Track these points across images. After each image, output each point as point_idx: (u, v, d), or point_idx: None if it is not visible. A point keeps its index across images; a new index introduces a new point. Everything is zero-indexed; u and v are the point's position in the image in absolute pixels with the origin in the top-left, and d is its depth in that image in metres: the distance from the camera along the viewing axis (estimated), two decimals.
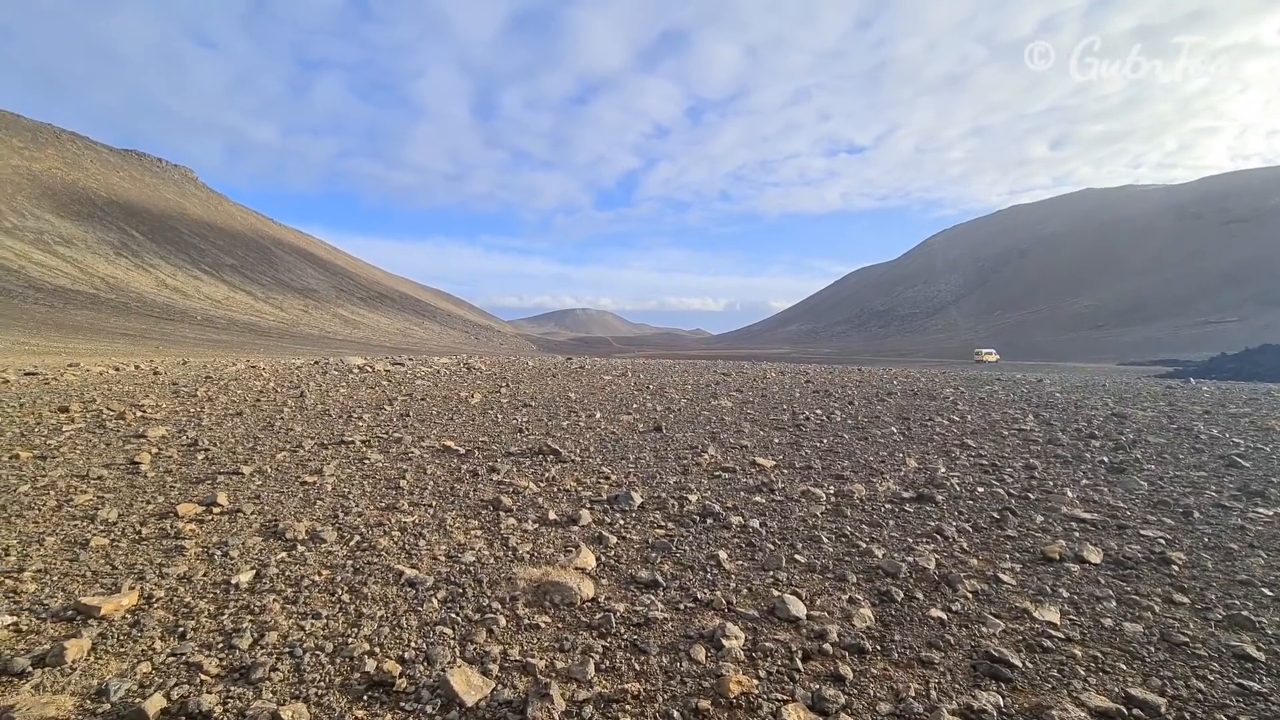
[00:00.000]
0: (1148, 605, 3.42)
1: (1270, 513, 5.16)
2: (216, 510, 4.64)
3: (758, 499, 5.33)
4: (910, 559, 3.95)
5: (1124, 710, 2.46)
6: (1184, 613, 3.35)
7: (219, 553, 3.81)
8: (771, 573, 3.74)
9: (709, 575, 3.68)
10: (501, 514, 4.76)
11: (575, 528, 4.51)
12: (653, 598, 3.34)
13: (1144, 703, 2.50)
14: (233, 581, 3.38)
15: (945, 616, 3.22)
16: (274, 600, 3.19)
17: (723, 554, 3.98)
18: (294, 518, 4.51)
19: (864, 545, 4.23)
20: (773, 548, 4.15)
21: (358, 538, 4.13)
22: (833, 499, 5.38)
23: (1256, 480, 6.25)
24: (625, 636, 2.94)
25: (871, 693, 2.54)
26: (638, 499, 5.12)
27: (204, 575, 3.49)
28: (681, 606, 3.26)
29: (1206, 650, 2.95)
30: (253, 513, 4.61)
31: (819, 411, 11.01)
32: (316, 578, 3.48)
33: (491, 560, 3.82)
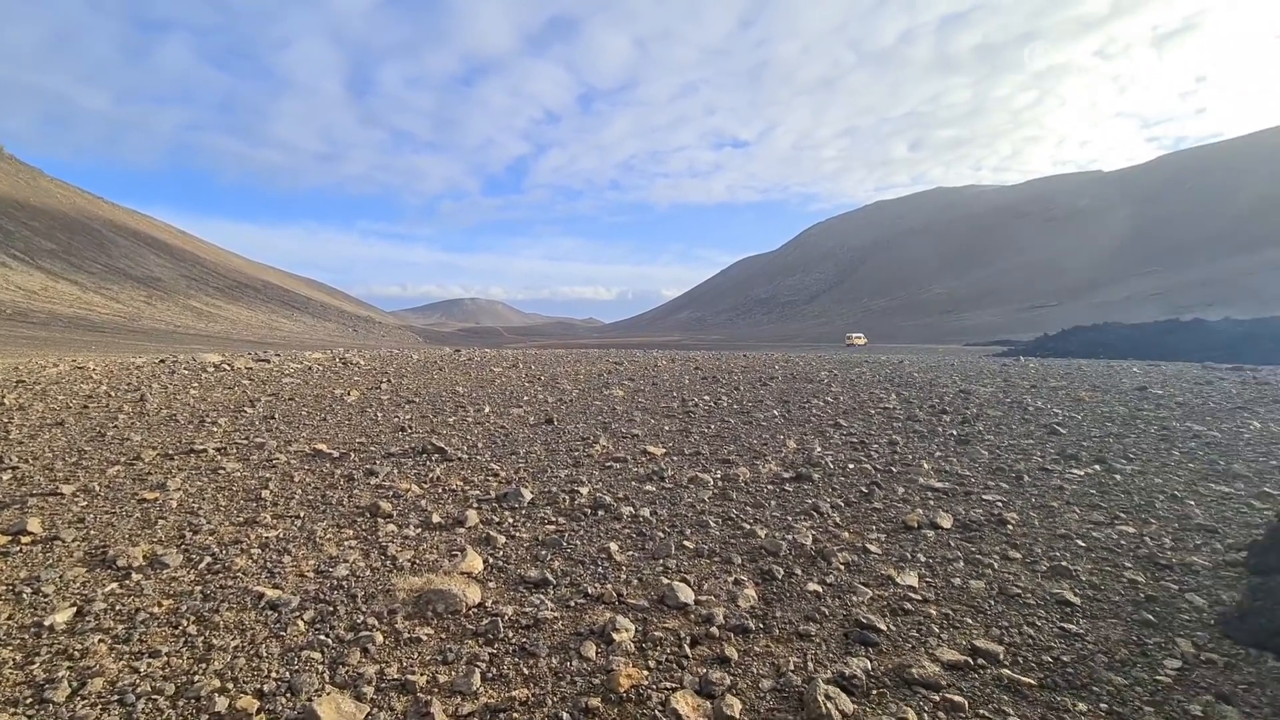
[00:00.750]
0: (988, 563, 3.84)
1: (1082, 473, 5.99)
2: (26, 540, 3.97)
3: (648, 488, 5.40)
4: (790, 537, 4.17)
5: (970, 660, 2.73)
6: (1017, 567, 3.80)
7: (29, 590, 3.26)
8: (661, 561, 3.80)
9: (600, 569, 3.67)
10: (380, 520, 4.46)
11: (461, 530, 4.32)
12: (543, 597, 3.27)
13: (986, 652, 2.79)
14: (46, 623, 2.89)
15: (821, 589, 3.42)
16: (100, 641, 2.77)
17: (614, 546, 3.98)
18: (128, 542, 3.95)
19: (748, 527, 4.41)
20: (662, 536, 4.21)
21: (209, 559, 3.70)
22: (719, 483, 5.57)
23: (1071, 445, 7.24)
24: (514, 641, 2.85)
25: (755, 671, 2.65)
26: (528, 495, 5.00)
27: (8, 619, 2.96)
28: (572, 603, 3.22)
29: (1035, 599, 3.37)
30: (75, 540, 3.99)
31: (707, 398, 11.37)
32: (155, 610, 3.07)
33: (368, 572, 3.57)
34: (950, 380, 15.44)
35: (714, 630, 2.93)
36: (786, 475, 5.83)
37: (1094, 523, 4.60)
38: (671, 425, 8.55)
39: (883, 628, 3.00)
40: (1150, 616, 3.19)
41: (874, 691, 2.52)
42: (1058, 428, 8.29)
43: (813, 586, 3.44)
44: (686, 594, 3.25)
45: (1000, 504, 5.03)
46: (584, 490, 5.22)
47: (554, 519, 4.57)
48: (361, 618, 3.02)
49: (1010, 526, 4.50)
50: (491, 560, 3.79)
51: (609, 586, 3.39)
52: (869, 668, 2.67)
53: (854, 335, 73.01)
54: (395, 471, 5.83)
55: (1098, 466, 6.24)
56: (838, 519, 4.65)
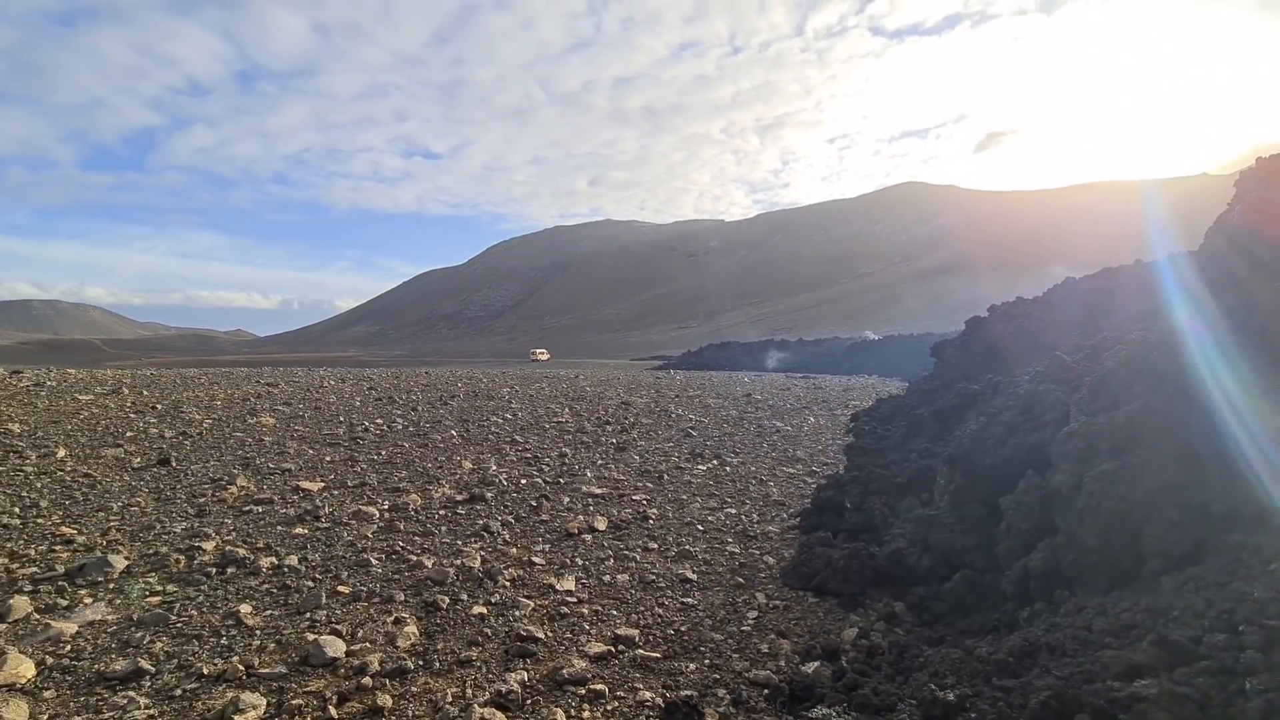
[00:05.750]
0: (633, 556, 4.42)
1: (704, 468, 7.37)
2: None
3: (299, 531, 4.75)
4: (459, 562, 4.14)
5: (613, 649, 3.10)
6: (654, 556, 4.46)
7: None
8: (308, 614, 3.37)
9: (224, 639, 3.08)
10: None
11: (0, 627, 3.15)
12: (133, 694, 2.58)
13: (626, 638, 3.20)
14: None
15: (486, 611, 3.48)
16: None
17: (245, 608, 3.39)
18: None
19: (415, 558, 4.22)
20: (312, 585, 3.75)
21: None
22: (386, 515, 5.21)
23: (699, 445, 8.84)
24: None
25: (411, 714, 2.55)
26: (120, 563, 3.91)
27: None
28: (179, 692, 2.63)
29: (665, 582, 4.00)
30: None
31: (379, 421, 10.54)
32: None
33: None
34: (615, 393, 17.34)
35: (367, 681, 2.72)
36: (460, 498, 5.78)
37: (710, 509, 5.69)
38: (335, 455, 7.68)
39: (541, 636, 3.19)
40: (741, 579, 4.09)
41: (529, 701, 2.66)
42: (691, 431, 10.03)
43: (478, 609, 3.48)
44: (336, 647, 2.95)
45: (645, 501, 5.84)
46: (209, 545, 4.31)
47: (160, 587, 3.67)
48: None
49: (652, 521, 5.26)
50: (53, 660, 2.85)
51: (234, 660, 2.86)
52: (526, 679, 2.81)
53: (537, 351, 76.35)
54: None
55: (716, 461, 7.75)
56: (507, 536, 4.80)
